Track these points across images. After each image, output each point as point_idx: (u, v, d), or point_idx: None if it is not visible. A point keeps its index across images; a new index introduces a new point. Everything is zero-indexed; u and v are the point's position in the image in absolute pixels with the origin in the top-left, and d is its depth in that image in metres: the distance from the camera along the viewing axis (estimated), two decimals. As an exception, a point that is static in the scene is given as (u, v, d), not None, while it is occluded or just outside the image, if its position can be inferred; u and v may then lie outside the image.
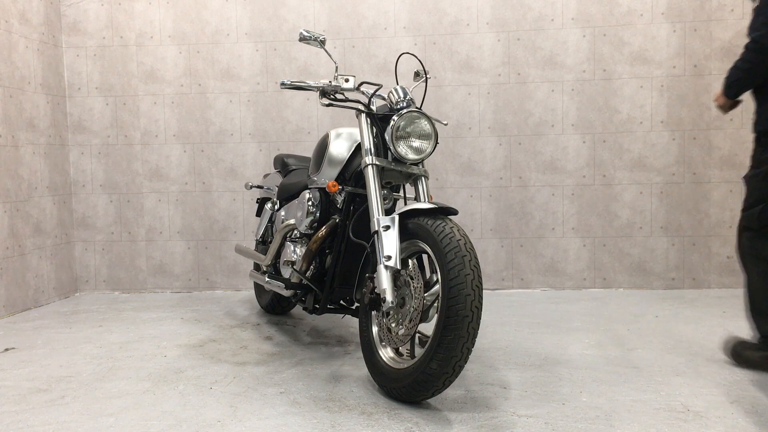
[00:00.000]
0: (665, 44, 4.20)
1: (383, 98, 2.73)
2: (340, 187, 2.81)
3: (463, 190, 4.38)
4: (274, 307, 3.74)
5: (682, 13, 4.19)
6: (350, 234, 2.71)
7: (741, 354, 2.66)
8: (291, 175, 3.50)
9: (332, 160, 2.90)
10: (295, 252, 3.04)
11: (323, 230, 2.85)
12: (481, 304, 2.14)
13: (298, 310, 3.86)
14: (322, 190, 2.98)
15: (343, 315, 3.41)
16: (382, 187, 2.63)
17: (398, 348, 2.44)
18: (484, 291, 3.88)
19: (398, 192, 2.81)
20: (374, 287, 2.37)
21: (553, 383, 2.49)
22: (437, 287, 2.31)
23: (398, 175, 2.64)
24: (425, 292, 2.33)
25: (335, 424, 2.14)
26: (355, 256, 2.78)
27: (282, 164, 3.66)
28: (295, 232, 3.11)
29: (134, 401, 2.40)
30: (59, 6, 4.51)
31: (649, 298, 4.04)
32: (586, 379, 2.54)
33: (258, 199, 3.91)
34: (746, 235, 2.69)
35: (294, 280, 2.99)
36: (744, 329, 3.21)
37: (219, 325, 3.55)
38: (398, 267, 2.29)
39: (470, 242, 2.21)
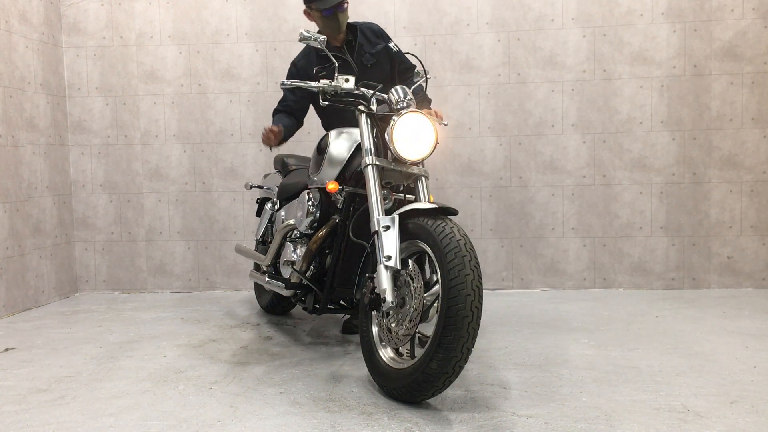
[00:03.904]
0: (665, 44, 4.20)
1: (383, 98, 2.73)
2: (340, 187, 2.81)
3: (463, 190, 4.38)
4: (274, 307, 3.74)
5: (682, 13, 4.19)
6: (350, 234, 2.71)
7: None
8: (291, 175, 3.50)
9: (332, 160, 2.90)
10: (295, 252, 3.04)
11: (323, 230, 2.85)
12: (481, 304, 2.14)
13: (298, 310, 3.86)
14: (322, 190, 2.98)
15: (343, 315, 3.41)
16: (382, 187, 2.63)
17: (398, 348, 2.44)
18: (484, 291, 3.87)
19: (398, 192, 2.81)
20: (374, 287, 2.37)
21: (553, 383, 2.49)
22: (437, 287, 2.30)
23: (398, 175, 2.64)
24: (425, 292, 2.32)
25: (335, 424, 2.14)
26: (355, 256, 2.77)
27: (282, 164, 3.66)
28: (295, 232, 3.11)
29: (134, 401, 2.40)
30: (59, 6, 4.51)
31: (649, 298, 4.04)
32: (586, 379, 2.54)
33: (258, 199, 3.91)
34: None
35: (294, 280, 2.99)
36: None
37: (219, 325, 3.55)
38: (398, 267, 2.29)
39: (470, 242, 2.21)
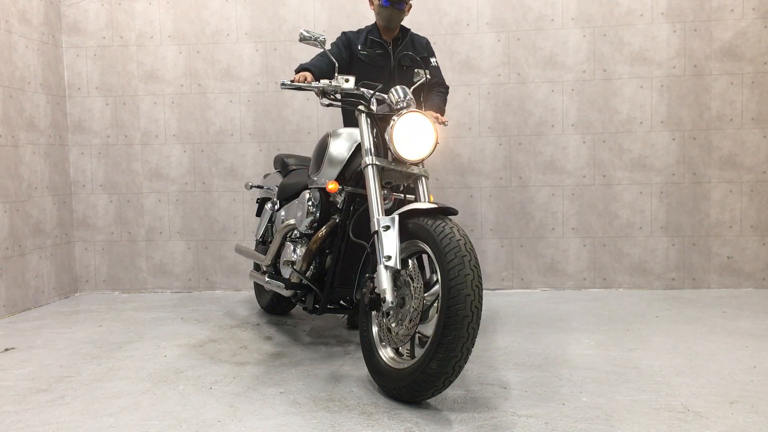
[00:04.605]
0: (665, 44, 4.20)
1: (383, 98, 2.73)
2: (340, 187, 2.81)
3: (463, 190, 4.38)
4: (274, 307, 3.74)
5: (682, 13, 4.19)
6: (350, 234, 2.71)
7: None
8: (291, 175, 3.50)
9: (332, 160, 2.90)
10: (295, 252, 3.04)
11: (323, 230, 2.85)
12: (481, 304, 2.14)
13: (298, 310, 3.86)
14: (322, 190, 2.98)
15: (343, 315, 3.42)
16: (382, 187, 2.63)
17: (398, 348, 2.44)
18: (484, 291, 3.87)
19: (398, 192, 2.81)
20: (374, 287, 2.37)
21: (553, 383, 2.49)
22: (437, 287, 2.31)
23: (398, 175, 2.64)
24: (425, 292, 2.32)
25: (335, 424, 2.14)
26: (355, 256, 2.78)
27: (282, 164, 3.66)
28: (295, 232, 3.11)
29: (134, 401, 2.40)
30: (59, 6, 4.51)
31: (649, 298, 4.04)
32: (586, 379, 2.54)
33: (258, 199, 3.91)
34: None
35: (294, 280, 2.99)
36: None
37: (219, 325, 3.55)
38: (398, 267, 2.29)
39: (470, 242, 2.21)
